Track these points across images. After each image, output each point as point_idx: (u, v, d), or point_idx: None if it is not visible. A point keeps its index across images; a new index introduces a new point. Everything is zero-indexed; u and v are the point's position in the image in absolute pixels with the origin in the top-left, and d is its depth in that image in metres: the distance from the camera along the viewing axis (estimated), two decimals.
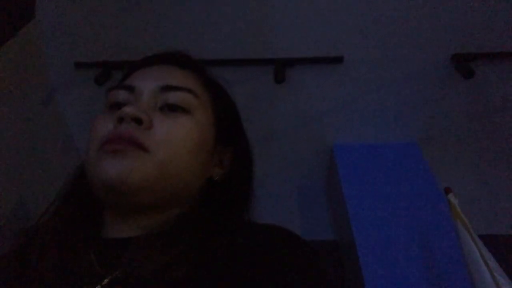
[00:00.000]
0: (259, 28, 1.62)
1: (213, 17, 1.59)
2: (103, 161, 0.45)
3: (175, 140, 0.48)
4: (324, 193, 2.11)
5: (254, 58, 1.67)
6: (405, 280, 1.42)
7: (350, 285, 1.67)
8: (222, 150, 0.56)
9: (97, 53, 1.68)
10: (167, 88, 0.51)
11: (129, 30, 1.63)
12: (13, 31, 1.29)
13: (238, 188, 0.56)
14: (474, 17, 1.55)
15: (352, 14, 1.57)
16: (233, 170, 0.57)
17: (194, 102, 0.52)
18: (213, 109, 0.55)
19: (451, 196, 1.34)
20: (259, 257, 0.41)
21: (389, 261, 1.47)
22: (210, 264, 0.41)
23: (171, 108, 0.50)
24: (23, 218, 1.48)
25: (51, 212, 0.51)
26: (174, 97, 0.51)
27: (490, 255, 1.15)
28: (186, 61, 0.58)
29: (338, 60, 1.66)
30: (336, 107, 1.82)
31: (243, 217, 0.55)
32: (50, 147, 1.73)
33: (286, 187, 2.04)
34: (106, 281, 0.41)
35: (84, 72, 1.70)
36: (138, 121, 0.47)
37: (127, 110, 0.47)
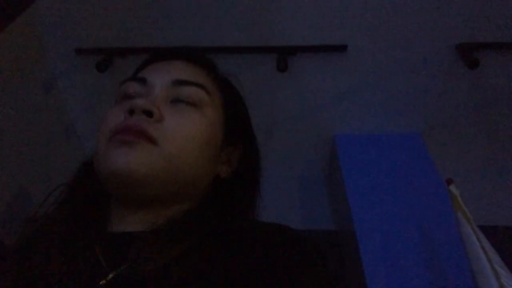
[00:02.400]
0: (261, 16, 1.60)
1: (215, 4, 1.57)
2: (112, 151, 0.45)
3: (184, 134, 0.48)
4: (325, 183, 2.11)
5: (256, 46, 1.65)
6: (405, 270, 1.42)
7: (350, 275, 1.69)
8: (230, 149, 0.57)
9: (99, 39, 1.67)
10: (179, 82, 0.52)
11: (130, 16, 1.61)
12: (12, 16, 1.28)
13: (244, 187, 0.56)
14: (480, 6, 1.52)
15: (356, 2, 1.55)
16: (241, 169, 0.57)
17: (205, 98, 0.52)
18: (223, 107, 0.56)
19: (452, 187, 1.33)
20: (263, 255, 0.41)
21: (390, 252, 1.48)
22: (215, 262, 0.41)
23: (182, 103, 0.50)
24: (25, 205, 1.49)
25: (56, 203, 0.52)
26: (185, 92, 0.51)
27: (491, 247, 1.15)
28: (198, 58, 0.58)
29: (341, 48, 1.64)
30: (339, 97, 1.81)
31: (249, 216, 0.55)
32: (51, 133, 1.73)
33: (287, 177, 2.05)
34: (111, 276, 0.41)
35: (85, 59, 1.69)
36: (148, 113, 0.47)
37: (138, 102, 0.47)
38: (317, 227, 1.94)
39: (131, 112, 0.47)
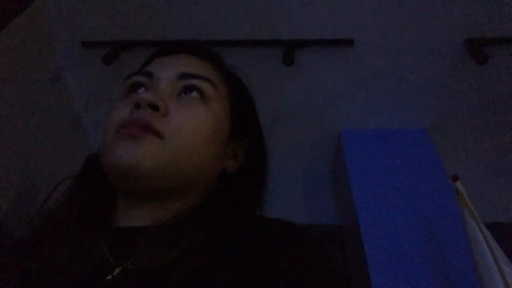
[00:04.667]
0: (268, 9, 1.59)
1: None
2: (118, 145, 0.45)
3: (190, 128, 0.48)
4: (330, 178, 2.11)
5: (262, 40, 1.64)
6: (409, 266, 1.42)
7: (354, 270, 1.69)
8: (237, 143, 0.56)
9: (105, 32, 1.67)
10: (185, 76, 0.51)
11: (137, 9, 1.61)
12: (20, 10, 1.28)
13: (251, 182, 0.56)
14: (489, 1, 1.50)
15: None
16: (247, 163, 0.57)
17: (211, 92, 0.52)
18: (230, 101, 0.55)
19: (458, 184, 1.32)
20: (268, 252, 0.41)
21: (394, 247, 1.48)
22: (220, 258, 0.41)
23: (188, 96, 0.50)
24: (32, 197, 1.50)
25: (63, 196, 0.52)
26: (191, 85, 0.51)
27: (496, 244, 1.14)
28: (205, 51, 0.58)
29: (348, 43, 1.63)
30: (345, 91, 1.80)
31: (255, 211, 0.55)
32: (58, 126, 1.74)
33: (292, 172, 2.04)
34: (117, 271, 0.41)
35: (91, 52, 1.70)
36: (154, 107, 0.47)
37: (144, 96, 0.47)
38: (322, 222, 1.94)
39: (137, 106, 0.47)
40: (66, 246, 0.44)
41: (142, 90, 0.52)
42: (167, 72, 0.52)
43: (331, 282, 0.41)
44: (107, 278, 0.41)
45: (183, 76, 0.51)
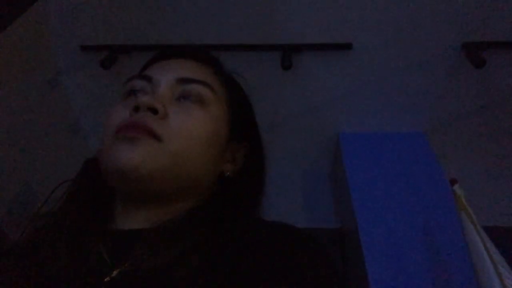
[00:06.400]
0: (266, 13, 1.59)
1: (220, 2, 1.57)
2: (116, 148, 0.45)
3: (189, 131, 0.48)
4: (329, 181, 2.11)
5: (260, 44, 1.65)
6: (408, 270, 1.42)
7: (353, 274, 1.68)
8: (236, 147, 0.57)
9: (104, 37, 1.67)
10: (184, 80, 0.52)
11: (135, 13, 1.62)
12: (19, 13, 1.29)
13: (249, 185, 0.56)
14: (486, 4, 1.51)
15: (361, 0, 1.54)
16: (246, 167, 0.57)
17: (210, 96, 0.52)
18: (228, 105, 0.56)
19: (456, 187, 1.33)
20: (267, 254, 0.41)
21: (393, 251, 1.48)
22: (219, 259, 0.41)
23: (187, 100, 0.51)
24: (30, 201, 1.50)
25: (61, 199, 0.52)
26: (190, 89, 0.52)
27: (494, 247, 1.14)
28: (204, 56, 0.59)
29: (346, 46, 1.63)
30: (343, 95, 1.80)
31: (253, 214, 0.55)
32: (56, 130, 1.74)
33: (291, 175, 2.04)
34: (115, 273, 0.41)
35: (90, 56, 1.70)
36: (153, 110, 0.47)
37: (143, 99, 0.48)
38: (321, 225, 1.94)
39: (136, 109, 0.48)
40: (64, 248, 0.45)
41: (141, 94, 0.52)
42: (166, 76, 0.52)
43: (331, 283, 0.41)
44: (105, 279, 0.41)
45: (182, 80, 0.52)
